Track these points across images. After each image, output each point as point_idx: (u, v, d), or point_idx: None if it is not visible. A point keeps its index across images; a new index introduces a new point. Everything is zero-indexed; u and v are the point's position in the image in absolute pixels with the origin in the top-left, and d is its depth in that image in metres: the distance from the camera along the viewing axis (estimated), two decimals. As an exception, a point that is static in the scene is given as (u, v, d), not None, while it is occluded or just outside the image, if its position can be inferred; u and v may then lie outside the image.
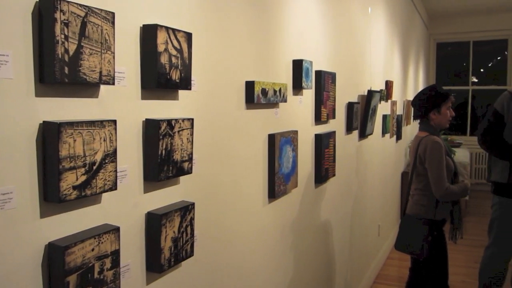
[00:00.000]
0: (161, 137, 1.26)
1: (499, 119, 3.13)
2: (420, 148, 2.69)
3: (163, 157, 1.28)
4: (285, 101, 2.06)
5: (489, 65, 9.26)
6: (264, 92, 1.84)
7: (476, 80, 9.06)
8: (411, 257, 3.01)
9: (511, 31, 8.27)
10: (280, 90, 2.00)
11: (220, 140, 1.62)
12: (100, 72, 1.07)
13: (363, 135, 3.44)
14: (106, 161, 1.10)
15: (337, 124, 2.86)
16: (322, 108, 2.51)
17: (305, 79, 2.25)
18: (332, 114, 2.68)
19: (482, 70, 9.30)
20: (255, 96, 1.78)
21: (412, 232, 2.75)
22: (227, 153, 1.66)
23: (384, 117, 4.28)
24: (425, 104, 2.77)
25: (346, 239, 3.26)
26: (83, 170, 1.04)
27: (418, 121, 2.86)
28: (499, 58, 9.00)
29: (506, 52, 8.46)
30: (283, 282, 2.22)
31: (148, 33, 1.24)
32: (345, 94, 3.02)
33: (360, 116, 3.36)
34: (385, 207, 4.64)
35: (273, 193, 1.99)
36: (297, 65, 2.20)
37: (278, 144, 2.00)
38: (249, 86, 1.76)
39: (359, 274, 3.65)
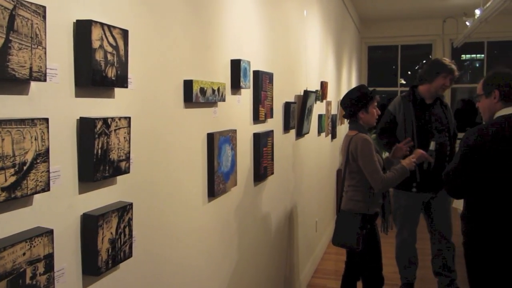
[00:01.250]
0: (96, 136, 1.23)
1: (392, 119, 3.56)
2: (351, 146, 2.81)
3: (99, 156, 1.25)
4: (224, 100, 2.08)
5: (416, 67, 9.79)
6: (202, 91, 1.84)
7: (404, 82, 9.55)
8: (346, 250, 3.13)
9: (435, 36, 8.79)
10: (218, 89, 2.00)
11: (159, 139, 1.60)
12: (31, 68, 1.03)
13: (300, 134, 3.52)
14: (38, 161, 1.06)
15: (275, 123, 2.91)
16: (260, 107, 2.54)
17: (243, 79, 2.27)
18: (270, 114, 2.72)
19: (409, 72, 9.83)
20: (194, 95, 1.77)
21: (348, 227, 2.86)
22: (166, 152, 1.65)
23: (320, 116, 4.40)
24: (354, 104, 2.90)
25: (285, 235, 3.32)
26: (12, 170, 0.99)
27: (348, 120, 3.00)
28: (424, 61, 9.55)
29: (430, 56, 8.99)
30: (226, 279, 2.23)
31: (82, 28, 1.20)
32: (282, 94, 3.08)
33: (297, 115, 3.44)
34: (322, 203, 4.78)
35: (212, 192, 1.99)
36: (235, 65, 2.22)
37: (217, 143, 2.01)
38: (188, 85, 1.76)
39: (298, 269, 3.73)
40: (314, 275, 4.27)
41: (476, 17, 6.36)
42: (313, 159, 4.25)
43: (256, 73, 2.50)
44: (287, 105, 3.14)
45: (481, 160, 2.22)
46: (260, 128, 2.63)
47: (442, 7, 7.58)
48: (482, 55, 9.06)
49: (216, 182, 2.01)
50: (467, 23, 6.94)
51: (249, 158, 2.50)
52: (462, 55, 9.31)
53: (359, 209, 2.84)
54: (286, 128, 3.17)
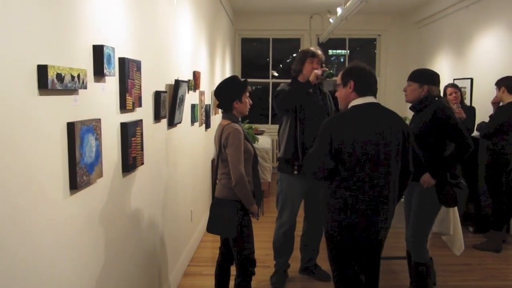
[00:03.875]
0: None
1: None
2: (224, 135, 2.88)
3: None
4: (86, 88, 1.98)
5: (287, 61, 10.30)
6: (60, 77, 1.74)
7: (276, 74, 9.99)
8: (221, 237, 3.22)
9: (303, 31, 9.33)
10: (79, 76, 1.90)
11: (7, 131, 1.47)
12: None
13: (171, 123, 3.50)
14: None
15: (144, 112, 2.86)
16: (127, 96, 2.48)
17: (107, 66, 2.19)
18: (138, 103, 2.66)
19: (281, 65, 10.31)
20: (50, 82, 1.66)
21: (221, 214, 2.93)
22: (17, 144, 1.52)
23: (193, 106, 4.42)
24: (227, 94, 2.97)
25: (159, 225, 3.30)
26: None
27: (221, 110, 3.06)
28: (294, 55, 10.09)
29: (299, 50, 9.52)
30: (95, 274, 2.14)
31: None
32: (152, 82, 3.03)
33: (168, 105, 3.41)
34: (197, 192, 4.82)
35: (75, 184, 1.90)
36: (98, 50, 2.12)
37: (78, 133, 1.91)
38: (42, 70, 1.64)
39: (173, 259, 3.73)
40: (190, 264, 4.31)
41: (338, 15, 6.90)
42: (187, 149, 4.26)
43: (122, 60, 2.42)
44: (157, 94, 3.10)
45: (335, 145, 2.44)
46: (128, 117, 2.56)
47: (309, 3, 8.06)
48: (346, 51, 9.85)
49: (79, 174, 1.92)
50: (331, 20, 7.49)
51: (116, 149, 2.42)
52: (329, 51, 10.02)
53: (232, 196, 2.93)
54: (157, 118, 3.13)
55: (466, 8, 6.73)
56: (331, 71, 3.62)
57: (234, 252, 3.06)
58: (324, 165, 2.48)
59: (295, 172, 3.66)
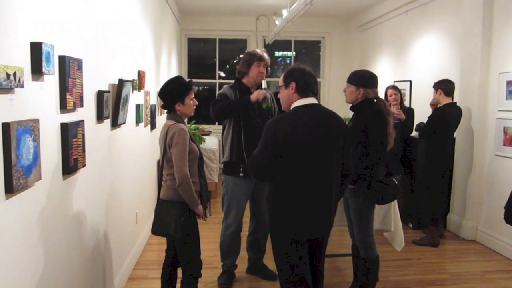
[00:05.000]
0: None
1: (226, 98, 3.69)
2: (168, 135, 2.85)
3: None
4: (22, 86, 1.88)
5: (234, 61, 10.32)
6: (-7, 75, 1.64)
7: (223, 75, 9.98)
8: (167, 239, 3.17)
9: (249, 32, 9.38)
10: (15, 74, 1.81)
11: None
12: None
13: (115, 124, 3.40)
14: None
15: (86, 112, 2.76)
16: (68, 95, 2.38)
17: (46, 64, 2.10)
18: (79, 102, 2.57)
19: (227, 66, 10.31)
20: (-18, 80, 1.57)
21: (167, 215, 2.88)
22: None
23: (138, 106, 4.32)
24: (170, 96, 2.93)
25: (102, 229, 3.20)
26: None
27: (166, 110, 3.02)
28: (240, 56, 10.11)
29: (246, 51, 9.55)
30: (34, 281, 2.04)
31: None
32: (94, 82, 2.93)
33: (111, 105, 3.31)
34: (142, 194, 4.72)
35: (10, 188, 1.80)
36: (36, 48, 2.03)
37: (14, 134, 1.82)
38: (-27, 67, 1.55)
39: (118, 262, 3.63)
40: (135, 267, 4.21)
41: (283, 17, 6.99)
42: (132, 150, 4.16)
43: (62, 59, 2.32)
44: (100, 94, 3.00)
45: (279, 145, 2.47)
46: (69, 117, 2.46)
47: (255, 4, 8.11)
48: (292, 52, 10.00)
49: (15, 177, 1.83)
50: (276, 22, 7.58)
51: (56, 150, 2.32)
52: (275, 52, 10.13)
53: (178, 198, 2.89)
54: (100, 118, 3.03)
55: (406, 13, 7.03)
56: (268, 104, 3.64)
57: (180, 254, 3.02)
58: (269, 165, 2.50)
59: (241, 174, 3.67)
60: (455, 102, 5.03)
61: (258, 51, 3.75)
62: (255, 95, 3.56)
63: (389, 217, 3.74)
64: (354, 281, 3.56)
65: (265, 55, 3.73)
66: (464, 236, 5.24)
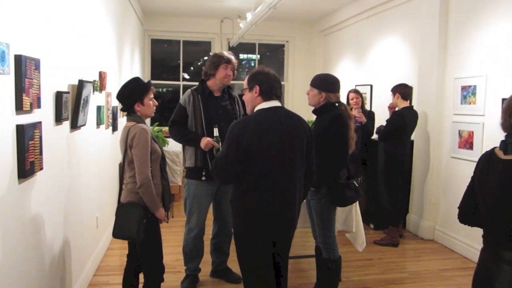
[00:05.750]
0: None
1: (183, 111, 3.68)
2: (129, 136, 2.80)
3: None
4: (-25, 86, 1.81)
5: (198, 63, 10.27)
6: None
7: (187, 77, 9.91)
8: (128, 243, 3.11)
9: (214, 34, 9.36)
10: (-34, 73, 1.74)
11: None
12: None
13: (75, 126, 3.32)
14: None
15: (44, 114, 2.68)
16: (24, 96, 2.30)
17: (1, 63, 2.03)
18: (37, 103, 2.49)
19: (192, 68, 10.25)
20: None
21: (128, 219, 2.83)
22: None
23: (99, 108, 4.24)
24: (128, 97, 2.89)
25: (61, 233, 3.11)
26: None
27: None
28: (205, 58, 10.08)
29: (210, 53, 9.54)
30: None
31: None
32: (53, 82, 2.85)
33: (71, 106, 3.23)
34: (104, 198, 4.62)
35: (-39, 192, 1.73)
36: (-10, 47, 1.96)
37: (-34, 136, 1.74)
38: None
39: (77, 268, 3.53)
40: (96, 273, 4.11)
41: (247, 20, 7.02)
42: (92, 153, 4.07)
43: (19, 58, 2.24)
44: (58, 95, 2.92)
45: (242, 148, 2.48)
46: (25, 119, 2.38)
47: (219, 7, 8.11)
48: (256, 55, 10.05)
49: (-33, 181, 1.75)
50: (241, 25, 7.60)
51: (11, 153, 2.24)
52: (240, 55, 10.15)
53: (139, 200, 2.85)
54: (58, 120, 2.94)
55: (367, 19, 7.20)
56: (219, 149, 3.54)
57: (142, 258, 2.97)
58: (232, 168, 2.50)
59: (203, 178, 3.66)
60: (412, 106, 5.19)
61: (226, 53, 3.74)
62: (203, 144, 3.53)
63: (350, 218, 3.81)
64: (317, 282, 3.60)
65: (233, 58, 3.73)
66: (422, 236, 5.40)
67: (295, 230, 2.71)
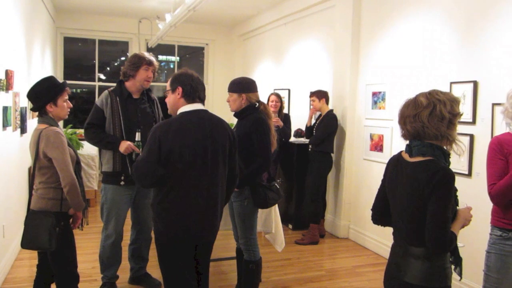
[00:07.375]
0: None
1: (100, 114, 3.53)
2: (42, 140, 2.65)
3: None
4: None
5: (115, 64, 9.92)
6: None
7: (103, 77, 9.53)
8: (38, 253, 2.93)
9: (132, 34, 9.11)
10: None
11: None
12: None
13: (-23, 128, 3.07)
14: None
15: None
16: None
17: None
18: None
19: (108, 68, 9.88)
20: None
21: (38, 227, 2.67)
22: None
23: (5, 109, 3.95)
24: (40, 97, 2.74)
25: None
26: None
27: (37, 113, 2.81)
28: (122, 58, 9.77)
29: (128, 53, 9.26)
30: None
31: None
32: (-48, 80, 2.62)
33: (-27, 106, 2.98)
34: (10, 205, 4.30)
35: None
36: None
37: None
38: None
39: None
40: (3, 286, 3.82)
41: (166, 22, 6.92)
42: (-2, 157, 3.78)
43: None
44: (-42, 94, 2.69)
45: (165, 151, 2.44)
46: None
47: (138, 7, 7.91)
48: (175, 57, 9.92)
49: None
50: (160, 26, 7.47)
51: None
52: (159, 56, 9.96)
53: (51, 208, 2.71)
54: (-42, 121, 2.71)
55: (285, 25, 7.41)
56: (138, 154, 3.46)
57: (54, 268, 2.82)
58: (154, 172, 2.45)
59: (122, 183, 3.54)
60: (332, 110, 5.44)
61: (147, 54, 3.65)
62: (123, 148, 3.43)
63: (270, 219, 3.90)
64: (238, 283, 3.63)
65: (154, 60, 3.66)
66: (338, 235, 5.65)
67: (217, 233, 2.71)
